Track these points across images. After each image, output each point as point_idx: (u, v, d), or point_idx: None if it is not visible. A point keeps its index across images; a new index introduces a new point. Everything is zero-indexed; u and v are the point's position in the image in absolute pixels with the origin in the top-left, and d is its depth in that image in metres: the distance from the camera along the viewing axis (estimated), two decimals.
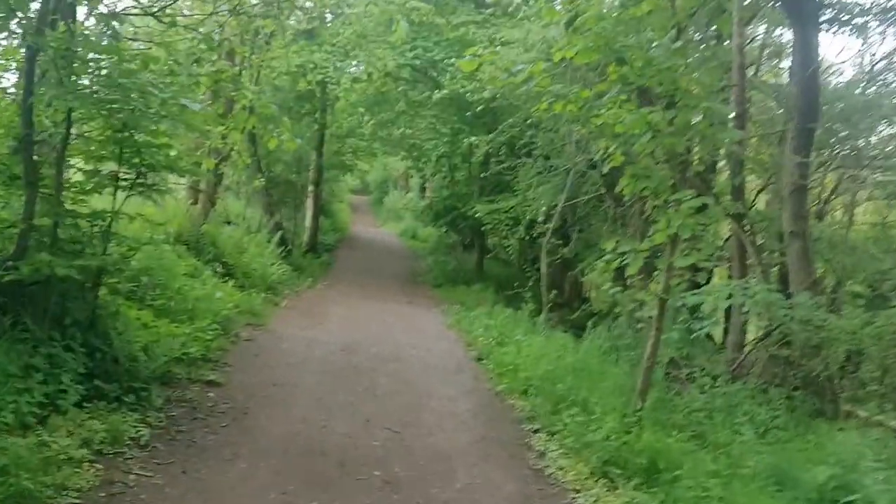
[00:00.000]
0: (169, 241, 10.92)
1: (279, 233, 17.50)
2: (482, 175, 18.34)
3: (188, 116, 6.85)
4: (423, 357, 10.31)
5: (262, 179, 16.75)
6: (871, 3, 13.72)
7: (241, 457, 5.68)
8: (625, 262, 8.61)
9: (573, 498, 6.09)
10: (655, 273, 13.54)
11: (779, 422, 9.13)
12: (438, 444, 6.78)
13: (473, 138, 15.16)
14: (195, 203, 14.30)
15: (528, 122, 14.36)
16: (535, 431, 7.67)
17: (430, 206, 21.98)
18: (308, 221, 22.31)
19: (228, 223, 17.28)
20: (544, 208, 14.95)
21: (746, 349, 12.40)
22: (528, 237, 17.71)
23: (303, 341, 10.05)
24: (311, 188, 22.22)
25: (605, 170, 11.57)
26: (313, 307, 13.40)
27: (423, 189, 38.84)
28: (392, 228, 36.32)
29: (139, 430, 5.69)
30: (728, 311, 14.64)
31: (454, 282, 19.94)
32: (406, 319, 13.68)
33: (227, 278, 11.92)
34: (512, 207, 17.19)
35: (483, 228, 19.01)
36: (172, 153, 7.48)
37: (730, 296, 10.67)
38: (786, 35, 16.79)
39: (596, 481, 6.44)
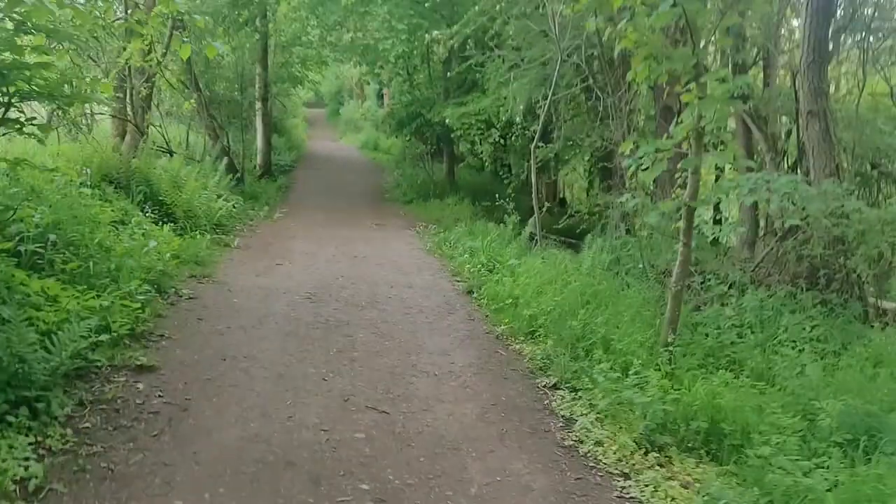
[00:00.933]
0: (87, 184, 9.08)
1: (225, 159, 15.58)
2: (447, 75, 16.39)
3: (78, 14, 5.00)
4: (405, 297, 8.74)
5: (195, 99, 14.67)
6: None
7: (177, 488, 4.11)
8: (642, 167, 6.99)
9: (623, 489, 4.64)
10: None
11: (818, 332, 7.82)
12: (439, 426, 5.27)
13: (435, 32, 13.19)
14: (122, 135, 12.32)
15: (498, 8, 12.43)
16: (555, 387, 6.20)
17: (391, 115, 20.00)
18: (259, 143, 20.31)
19: (168, 153, 15.36)
20: (521, 107, 13.19)
21: (764, 250, 10.97)
22: (502, 141, 16.01)
23: (259, 292, 8.39)
24: (258, 105, 20.12)
25: (613, 53, 9.78)
26: (270, 244, 11.67)
27: (380, 97, 36.60)
28: (351, 141, 34.29)
29: (28, 466, 4.06)
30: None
31: (425, 196, 18.28)
32: (378, 248, 12.04)
33: (164, 222, 10.16)
34: (483, 109, 15.41)
35: (452, 135, 17.22)
36: (50, 75, 5.64)
37: (750, 190, 9.14)
38: None
39: (645, 456, 5.01)
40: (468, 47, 13.13)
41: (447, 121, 16.30)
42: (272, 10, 18.74)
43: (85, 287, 6.57)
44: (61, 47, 6.97)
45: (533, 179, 12.21)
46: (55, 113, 11.13)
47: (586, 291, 8.13)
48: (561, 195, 23.66)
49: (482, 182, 20.16)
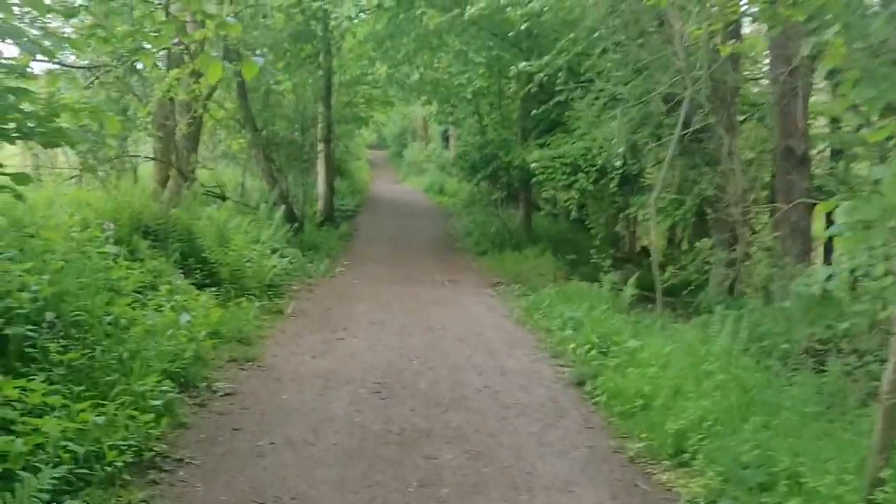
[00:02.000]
0: (110, 240, 7.44)
1: (283, 206, 14.00)
2: (529, 113, 14.59)
3: None
4: (498, 389, 6.80)
5: (251, 139, 13.15)
6: None
7: None
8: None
9: None
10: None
11: None
12: None
13: (523, 64, 11.40)
14: (164, 181, 10.79)
15: (597, 35, 10.60)
16: None
17: (462, 157, 18.29)
18: (320, 187, 18.77)
19: (221, 199, 13.84)
20: (621, 149, 11.28)
21: None
22: (591, 187, 14.06)
23: (315, 383, 6.57)
24: (320, 147, 18.63)
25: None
26: (330, 309, 9.94)
27: (445, 138, 35.14)
28: (415, 184, 32.73)
29: None
30: None
31: (500, 246, 16.40)
32: (456, 314, 10.18)
33: (205, 285, 8.51)
34: (571, 152, 13.55)
35: (532, 180, 15.38)
36: (29, 107, 3.98)
37: None
38: None
39: None
40: (557, 81, 11.36)
41: (530, 164, 14.47)
42: (336, 46, 17.30)
43: (83, 388, 4.87)
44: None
45: (652, 235, 10.26)
46: (88, 155, 9.64)
47: (737, 387, 6.11)
48: (640, 245, 21.57)
49: (561, 231, 18.23)
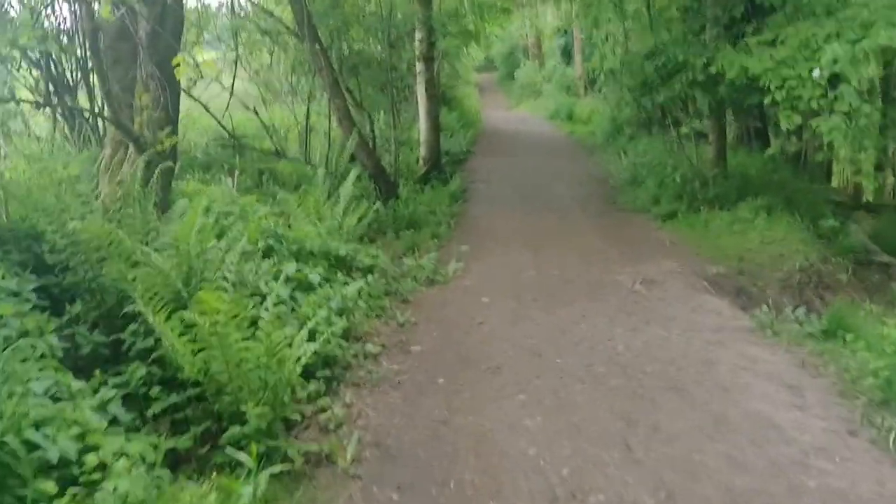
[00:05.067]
0: None
1: (354, 172, 8.48)
2: None
3: None
4: None
5: (314, 58, 7.53)
6: None
7: None
8: None
9: None
10: None
11: None
12: None
13: None
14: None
15: None
16: None
17: (626, 71, 11.94)
18: (423, 125, 13.07)
19: (278, 155, 8.52)
20: None
21: None
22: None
23: None
24: (419, 68, 12.87)
25: None
26: (443, 353, 4.89)
27: (566, 53, 28.62)
28: (532, 109, 26.62)
29: None
30: None
31: (691, 202, 10.41)
32: (678, 364, 4.71)
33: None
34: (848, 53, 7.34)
35: (759, 101, 9.20)
36: None
37: None
38: None
39: None
40: None
41: (754, 74, 8.33)
42: None
43: None
44: None
45: None
46: None
47: None
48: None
49: (763, 173, 11.92)
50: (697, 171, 11.00)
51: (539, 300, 6.71)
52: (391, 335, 5.55)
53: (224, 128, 9.20)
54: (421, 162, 12.86)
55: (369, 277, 6.19)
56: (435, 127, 13.29)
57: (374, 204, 8.96)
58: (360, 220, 7.83)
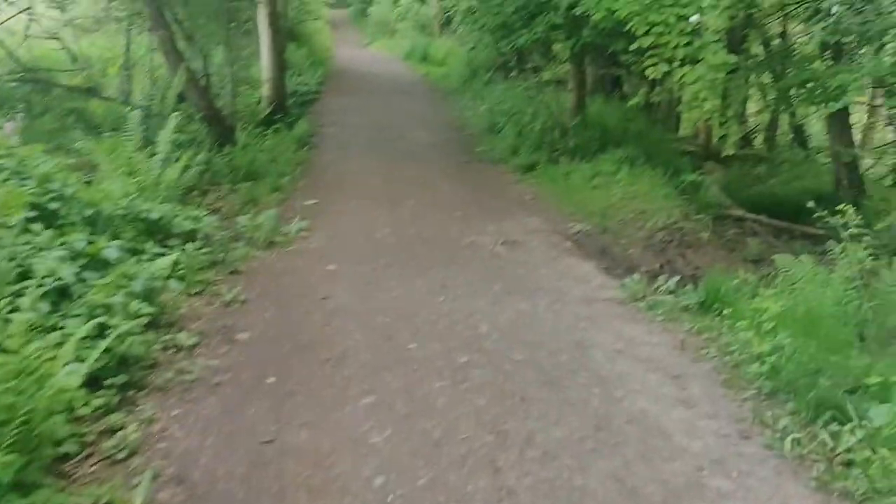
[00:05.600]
0: None
1: (175, 115, 7.21)
2: None
3: None
4: None
5: None
6: None
7: None
8: None
9: None
10: None
11: None
12: None
13: None
14: None
15: None
16: None
17: (484, 9, 10.95)
18: (265, 62, 11.73)
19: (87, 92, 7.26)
20: None
21: None
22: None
23: None
24: None
25: None
26: (276, 340, 3.99)
27: None
28: (388, 49, 25.35)
29: None
30: None
31: (551, 153, 9.87)
32: (548, 348, 4.11)
33: None
34: None
35: (624, 48, 8.65)
36: None
37: None
38: None
39: None
40: None
41: (623, 18, 7.75)
42: None
43: None
44: None
45: None
46: None
47: None
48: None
49: (618, 119, 11.55)
50: (557, 120, 10.43)
51: (394, 266, 5.88)
52: (213, 319, 4.55)
53: (13, 56, 7.60)
54: (264, 103, 11.58)
55: (189, 246, 5.13)
56: (279, 64, 12.00)
57: (203, 153, 7.74)
58: (184, 171, 6.65)
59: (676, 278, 5.36)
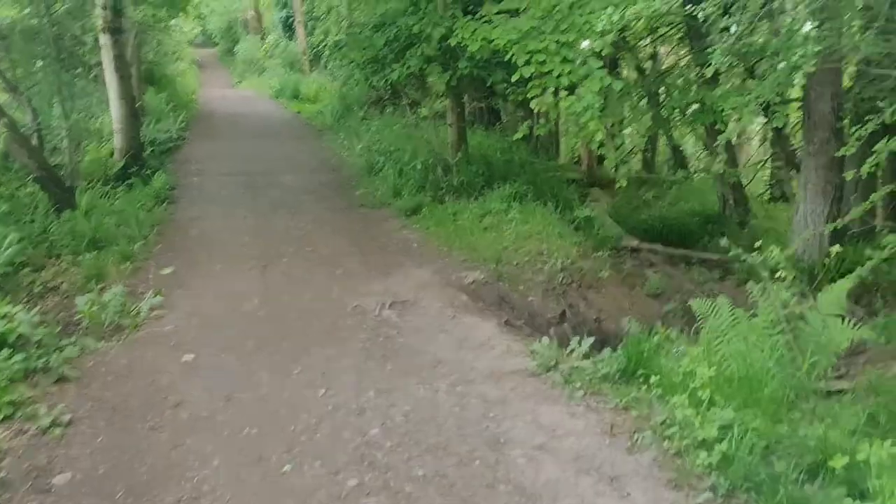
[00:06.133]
0: None
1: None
2: None
3: None
4: None
5: None
6: None
7: None
8: None
9: None
10: None
11: None
12: None
13: None
14: None
15: None
16: None
17: (353, 44, 10.06)
18: (115, 110, 10.47)
19: None
20: None
21: None
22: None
23: None
24: (103, 41, 10.23)
25: None
26: (108, 481, 2.75)
27: (288, 27, 26.39)
28: (257, 87, 24.21)
29: None
30: None
31: (436, 191, 9.15)
32: (457, 453, 3.31)
33: None
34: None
35: (504, 80, 8.02)
36: None
37: None
38: None
39: None
40: None
41: (501, 47, 7.12)
42: None
43: None
44: None
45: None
46: None
47: None
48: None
49: (500, 151, 10.97)
50: (439, 156, 9.71)
51: (264, 349, 4.91)
52: (23, 457, 3.45)
53: None
54: (116, 155, 10.30)
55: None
56: (132, 112, 10.74)
57: (39, 220, 6.53)
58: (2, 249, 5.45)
59: (591, 340, 4.63)
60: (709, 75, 5.75)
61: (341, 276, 6.63)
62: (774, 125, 8.88)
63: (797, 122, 10.77)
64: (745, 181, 12.32)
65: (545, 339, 4.73)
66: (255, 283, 6.43)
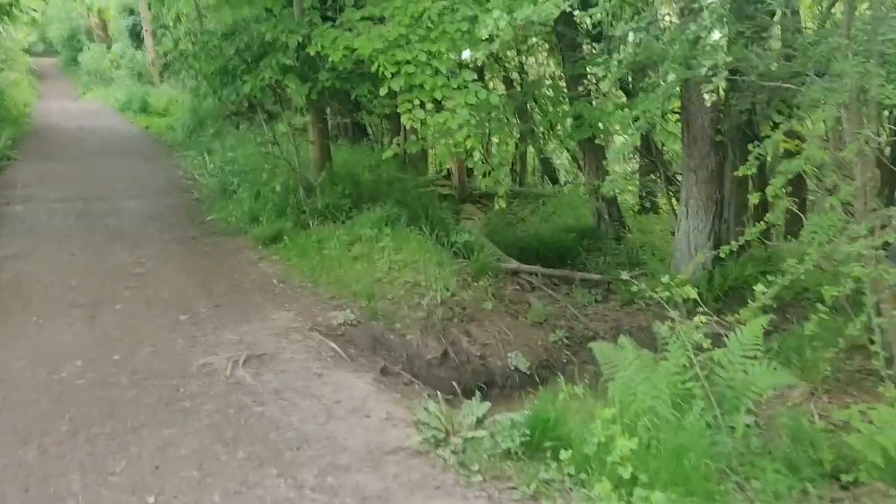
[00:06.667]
0: None
1: None
2: None
3: None
4: None
5: None
6: None
7: None
8: None
9: None
10: None
11: None
12: None
13: None
14: None
15: None
16: None
17: (203, 54, 8.91)
18: None
19: None
20: None
21: None
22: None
23: None
24: None
25: None
26: None
27: (136, 35, 24.38)
28: (103, 99, 22.24)
29: None
30: None
31: (296, 216, 8.18)
32: None
33: None
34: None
35: (365, 93, 7.19)
36: None
37: None
38: None
39: None
40: None
41: (365, 58, 6.30)
42: None
43: None
44: None
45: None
46: None
47: None
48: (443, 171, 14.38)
49: (367, 168, 10.14)
50: (301, 177, 8.73)
51: (82, 433, 3.84)
52: None
53: None
54: None
55: None
56: None
57: None
58: None
59: (487, 405, 3.87)
60: (606, 88, 5.16)
61: (187, 324, 5.57)
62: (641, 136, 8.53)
63: (666, 133, 10.59)
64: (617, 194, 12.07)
65: (431, 405, 3.93)
66: (79, 339, 5.27)
